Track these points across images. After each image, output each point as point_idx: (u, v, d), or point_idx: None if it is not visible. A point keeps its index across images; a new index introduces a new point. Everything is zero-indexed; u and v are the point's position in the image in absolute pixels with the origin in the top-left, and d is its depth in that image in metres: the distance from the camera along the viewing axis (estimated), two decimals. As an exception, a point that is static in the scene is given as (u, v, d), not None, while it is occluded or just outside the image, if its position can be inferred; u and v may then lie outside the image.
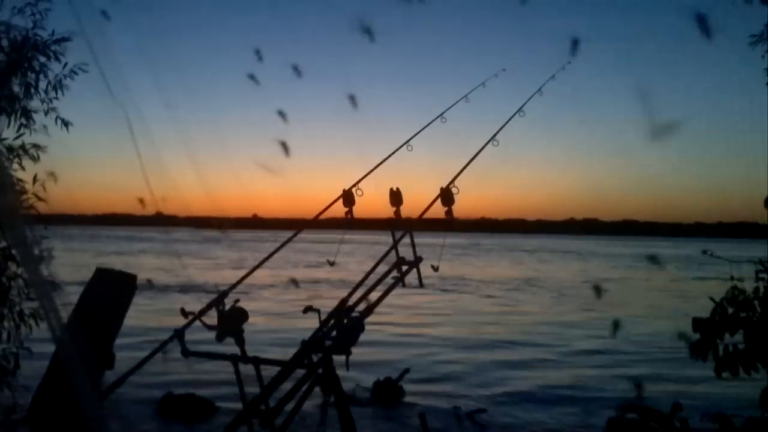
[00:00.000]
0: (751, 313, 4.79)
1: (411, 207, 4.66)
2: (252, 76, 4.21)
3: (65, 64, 6.96)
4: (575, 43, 3.73)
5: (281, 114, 4.27)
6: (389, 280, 4.49)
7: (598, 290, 15.00)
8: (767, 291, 4.79)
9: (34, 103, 6.99)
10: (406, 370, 10.81)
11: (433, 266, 4.56)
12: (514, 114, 5.29)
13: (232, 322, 4.03)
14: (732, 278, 4.92)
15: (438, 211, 4.66)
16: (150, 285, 21.89)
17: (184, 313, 4.13)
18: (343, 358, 4.07)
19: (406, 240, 4.50)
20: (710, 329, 4.74)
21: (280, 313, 17.62)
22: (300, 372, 4.06)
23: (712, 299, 4.90)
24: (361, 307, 4.26)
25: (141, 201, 3.04)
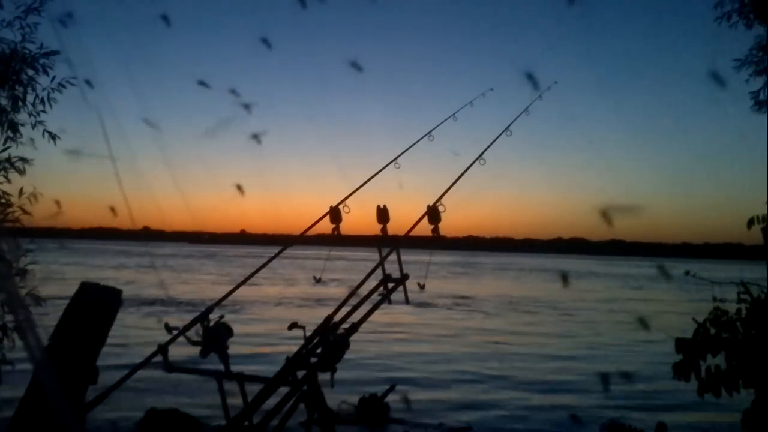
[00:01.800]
0: (733, 334, 4.83)
1: (398, 224, 4.68)
2: (202, 82, 4.21)
3: (53, 78, 6.96)
4: (530, 77, 3.80)
5: (255, 137, 4.31)
6: (375, 297, 4.48)
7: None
8: (749, 312, 4.83)
9: (22, 116, 6.97)
10: (393, 386, 10.72)
11: (419, 283, 4.56)
12: (501, 133, 5.35)
13: (217, 338, 4.02)
14: (715, 299, 4.96)
15: (425, 228, 4.69)
16: (136, 300, 21.71)
17: (168, 328, 4.13)
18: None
19: (393, 257, 4.51)
20: (693, 350, 4.77)
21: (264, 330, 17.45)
22: (284, 389, 4.05)
23: (695, 320, 4.93)
24: (347, 323, 4.26)
25: (112, 209, 3.02)
